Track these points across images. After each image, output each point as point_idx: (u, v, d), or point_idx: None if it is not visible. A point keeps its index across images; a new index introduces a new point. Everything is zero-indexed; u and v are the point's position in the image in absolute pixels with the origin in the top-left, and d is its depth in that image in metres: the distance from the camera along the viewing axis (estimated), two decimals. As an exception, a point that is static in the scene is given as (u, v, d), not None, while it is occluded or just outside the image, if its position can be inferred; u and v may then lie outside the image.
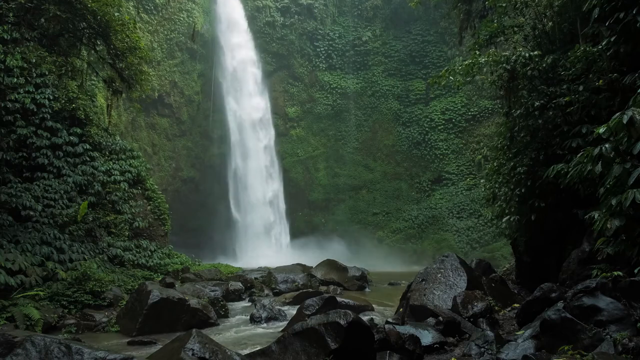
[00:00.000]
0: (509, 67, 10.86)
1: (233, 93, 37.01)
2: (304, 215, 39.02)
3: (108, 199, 17.80)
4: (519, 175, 11.22)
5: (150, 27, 33.80)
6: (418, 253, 34.24)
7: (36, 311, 11.55)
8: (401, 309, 11.73)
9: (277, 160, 38.29)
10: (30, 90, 16.12)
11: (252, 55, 38.25)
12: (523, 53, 10.81)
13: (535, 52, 10.78)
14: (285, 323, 12.50)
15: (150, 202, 19.75)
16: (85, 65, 20.16)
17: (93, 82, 24.20)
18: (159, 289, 12.36)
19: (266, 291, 18.21)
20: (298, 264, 21.96)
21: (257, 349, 7.69)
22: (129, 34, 18.68)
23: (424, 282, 11.14)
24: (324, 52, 40.79)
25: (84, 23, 17.95)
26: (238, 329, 12.42)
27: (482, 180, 15.43)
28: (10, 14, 16.13)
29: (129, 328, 11.67)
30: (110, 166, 18.32)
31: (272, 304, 14.06)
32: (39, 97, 16.25)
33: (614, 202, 6.74)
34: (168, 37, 35.01)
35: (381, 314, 13.54)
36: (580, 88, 9.77)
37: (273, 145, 38.26)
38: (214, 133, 37.72)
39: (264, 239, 35.74)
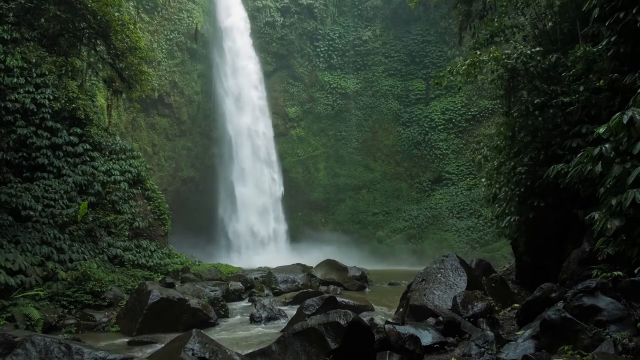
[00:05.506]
0: (510, 63, 10.84)
1: (233, 92, 36.97)
2: (304, 215, 39.00)
3: (108, 199, 17.80)
4: (519, 175, 11.22)
5: (150, 27, 33.77)
6: (418, 253, 34.22)
7: (36, 311, 11.55)
8: (401, 309, 11.73)
9: (277, 160, 38.25)
10: (30, 90, 16.12)
11: (252, 55, 38.22)
12: (524, 51, 10.80)
13: (537, 49, 10.76)
14: (285, 323, 12.49)
15: (150, 202, 19.74)
16: (85, 65, 20.16)
17: (93, 82, 24.19)
18: (159, 289, 12.36)
19: (266, 291, 18.20)
20: (298, 264, 21.95)
21: (257, 349, 7.68)
22: (129, 34, 18.67)
23: (424, 282, 11.14)
24: (324, 52, 40.77)
25: (84, 23, 17.95)
26: (238, 329, 12.41)
27: (482, 180, 15.42)
28: (10, 14, 16.13)
29: (129, 328, 11.67)
30: (110, 166, 18.31)
31: (272, 304, 14.06)
32: (39, 97, 16.25)
33: (614, 202, 6.74)
34: (168, 37, 34.99)
35: (381, 314, 13.53)
36: (581, 88, 9.77)
37: (272, 143, 38.22)
38: (214, 133, 37.72)
39: (264, 239, 35.71)
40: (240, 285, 17.58)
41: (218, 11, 37.67)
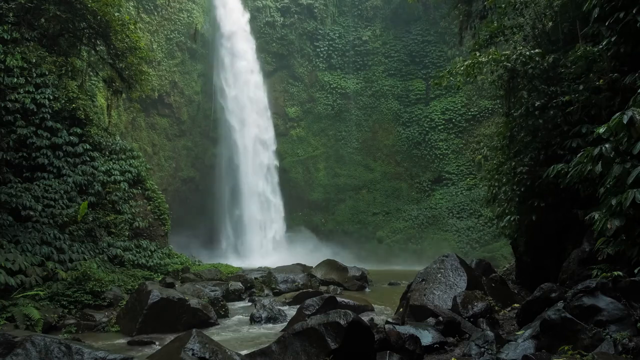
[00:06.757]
0: (509, 65, 10.85)
1: (233, 92, 36.96)
2: (304, 215, 39.00)
3: (108, 199, 17.80)
4: (519, 175, 11.22)
5: (150, 27, 33.76)
6: (418, 253, 34.20)
7: (36, 311, 11.55)
8: (401, 309, 11.73)
9: (276, 160, 38.28)
10: (30, 90, 16.12)
11: (252, 56, 38.20)
12: (524, 52, 10.80)
13: (536, 51, 10.76)
14: (285, 323, 12.50)
15: (150, 202, 19.74)
16: (85, 65, 20.16)
17: (93, 82, 24.18)
18: (159, 289, 12.36)
19: (266, 291, 18.20)
20: (298, 264, 21.95)
21: (257, 349, 7.69)
22: (129, 34, 18.67)
23: (424, 282, 11.14)
24: (324, 52, 40.76)
25: (84, 23, 17.95)
26: (238, 329, 12.42)
27: (481, 179, 15.43)
28: (10, 14, 16.14)
29: (129, 328, 11.67)
30: (110, 166, 18.31)
31: (272, 304, 14.06)
32: (39, 97, 16.25)
33: (614, 202, 6.74)
34: (168, 37, 34.99)
35: (381, 314, 13.54)
36: (581, 88, 9.78)
37: (272, 143, 38.23)
38: (214, 133, 37.73)
39: (264, 239, 35.72)
40: (240, 285, 17.58)
41: (218, 11, 37.63)
